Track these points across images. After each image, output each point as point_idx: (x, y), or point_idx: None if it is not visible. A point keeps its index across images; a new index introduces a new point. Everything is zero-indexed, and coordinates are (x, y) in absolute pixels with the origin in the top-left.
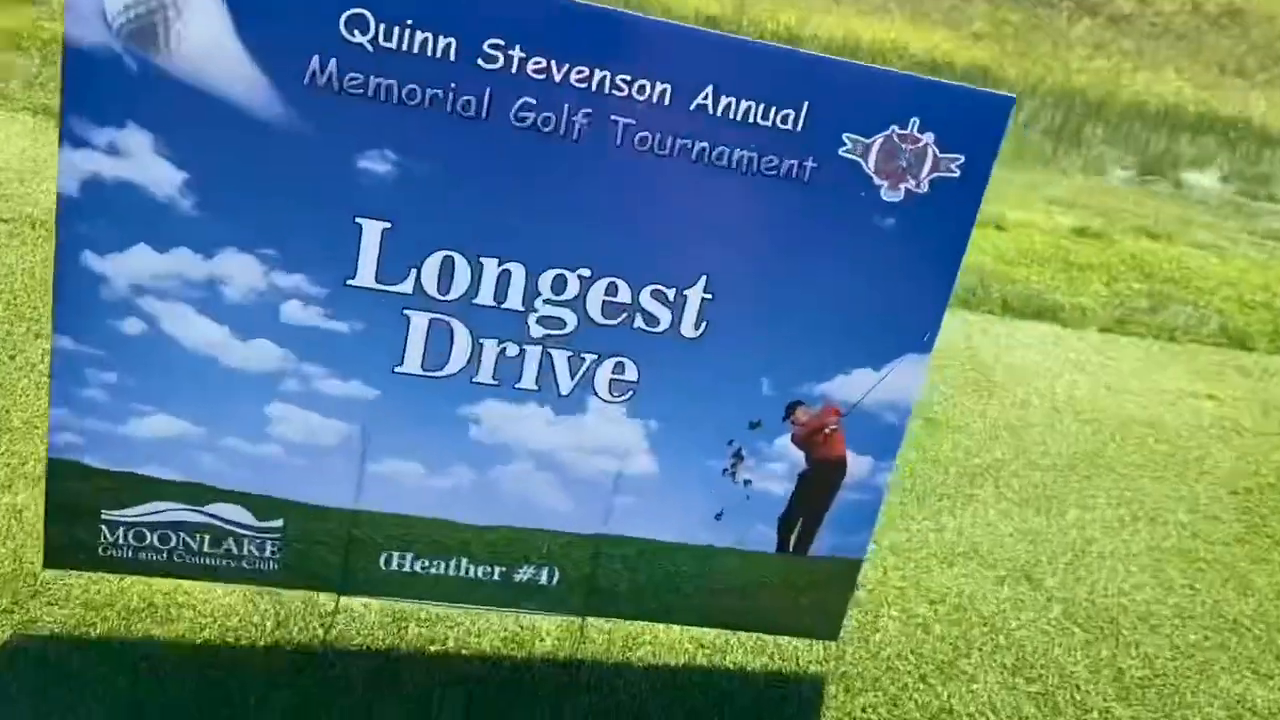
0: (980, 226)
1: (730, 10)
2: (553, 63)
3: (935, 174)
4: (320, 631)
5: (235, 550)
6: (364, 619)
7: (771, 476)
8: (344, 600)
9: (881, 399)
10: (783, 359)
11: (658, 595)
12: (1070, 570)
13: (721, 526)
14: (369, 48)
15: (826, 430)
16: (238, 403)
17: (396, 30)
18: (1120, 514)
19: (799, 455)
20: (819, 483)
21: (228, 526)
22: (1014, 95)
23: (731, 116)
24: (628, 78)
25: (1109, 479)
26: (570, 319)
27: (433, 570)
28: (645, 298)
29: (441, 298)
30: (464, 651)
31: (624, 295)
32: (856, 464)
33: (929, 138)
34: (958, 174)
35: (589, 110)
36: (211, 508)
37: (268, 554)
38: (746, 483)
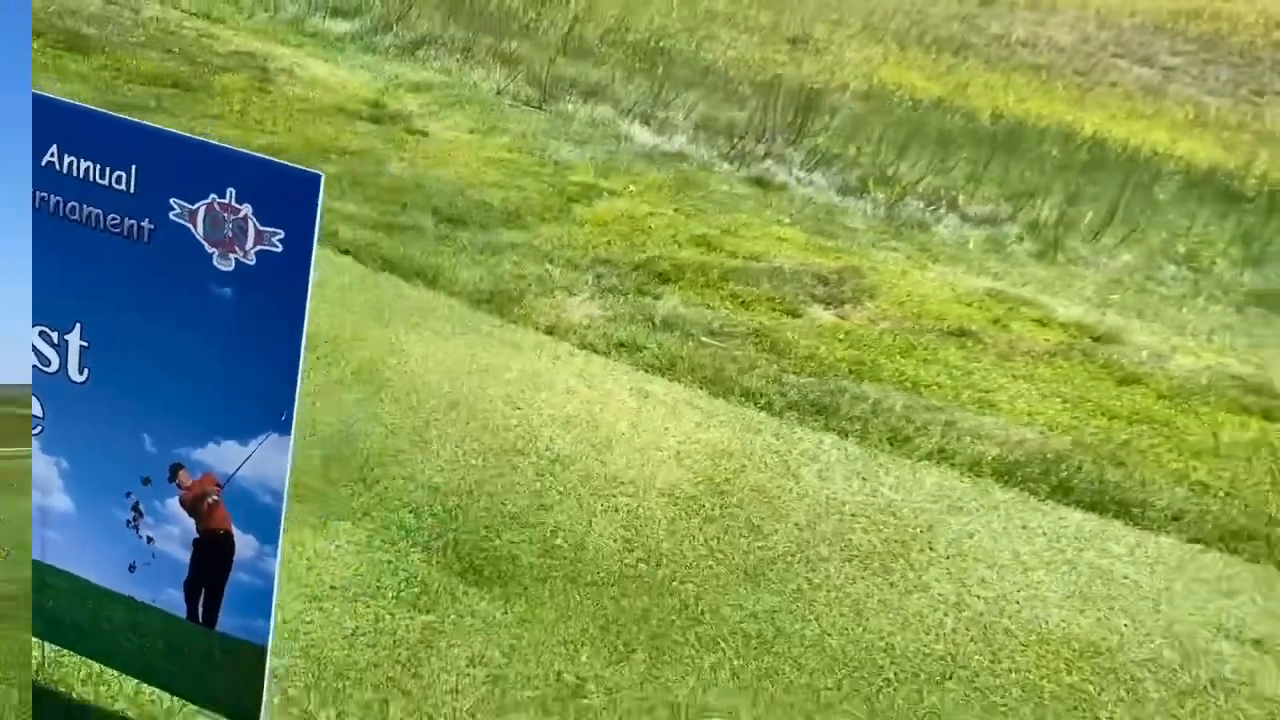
0: None
1: None
2: None
3: (260, 246)
4: None
5: None
6: None
7: (171, 539)
8: None
9: (253, 476)
10: (160, 418)
11: (101, 639)
12: None
13: (137, 581)
14: None
15: (209, 500)
16: None
17: None
18: None
19: (190, 522)
20: (210, 553)
21: None
22: (320, 173)
23: (75, 174)
24: None
25: None
26: None
27: None
28: (35, 337)
29: None
30: None
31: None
32: (243, 542)
33: (247, 209)
34: (280, 248)
35: None
36: None
37: None
38: (150, 540)
